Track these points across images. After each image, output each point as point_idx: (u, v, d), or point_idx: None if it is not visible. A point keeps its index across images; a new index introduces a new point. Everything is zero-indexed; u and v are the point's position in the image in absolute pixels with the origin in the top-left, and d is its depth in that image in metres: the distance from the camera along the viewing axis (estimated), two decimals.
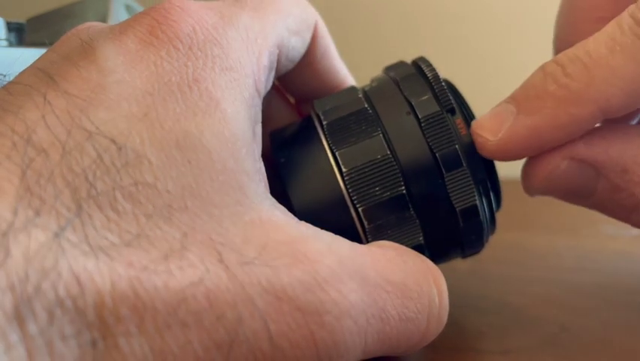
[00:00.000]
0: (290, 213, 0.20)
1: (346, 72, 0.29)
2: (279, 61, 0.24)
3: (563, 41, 0.27)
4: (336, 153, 0.23)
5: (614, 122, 0.24)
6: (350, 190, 0.23)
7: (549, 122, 0.23)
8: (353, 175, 0.23)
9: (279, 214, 0.19)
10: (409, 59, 0.27)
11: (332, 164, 0.23)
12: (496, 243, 0.30)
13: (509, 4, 0.61)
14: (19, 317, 0.14)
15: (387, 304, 0.20)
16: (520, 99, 0.23)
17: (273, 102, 0.29)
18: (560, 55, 0.23)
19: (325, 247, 0.19)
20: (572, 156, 0.23)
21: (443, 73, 0.25)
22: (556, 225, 0.40)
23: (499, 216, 0.27)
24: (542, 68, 0.23)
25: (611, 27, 0.22)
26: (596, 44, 0.22)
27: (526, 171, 0.25)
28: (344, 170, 0.23)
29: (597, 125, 0.23)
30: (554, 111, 0.22)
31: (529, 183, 0.25)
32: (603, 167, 0.23)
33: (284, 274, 0.18)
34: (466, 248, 0.25)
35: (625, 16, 0.22)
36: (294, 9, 0.24)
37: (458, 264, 0.31)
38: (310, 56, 0.26)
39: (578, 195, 0.24)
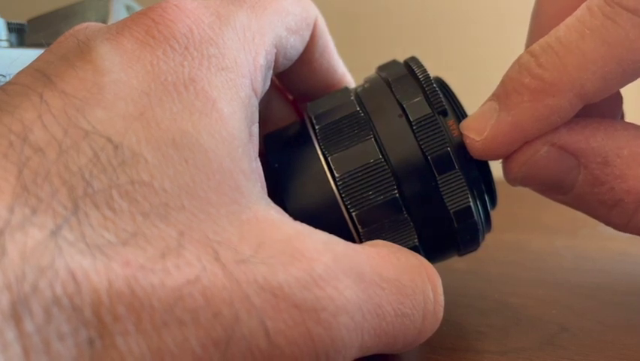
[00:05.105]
0: (285, 213, 0.20)
1: (344, 70, 0.29)
2: (276, 60, 0.24)
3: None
4: (329, 158, 0.23)
5: (600, 116, 0.24)
6: (343, 195, 0.23)
7: (529, 116, 0.22)
8: (346, 180, 0.23)
9: (275, 213, 0.19)
10: (404, 57, 0.26)
11: (325, 169, 0.23)
12: (496, 243, 0.30)
13: (506, 2, 0.61)
14: (15, 316, 0.14)
15: (383, 300, 0.20)
16: (501, 95, 0.23)
17: (273, 101, 0.29)
18: (534, 45, 0.23)
19: (321, 244, 0.19)
20: (552, 141, 0.23)
21: (438, 71, 0.25)
22: (555, 225, 0.40)
23: (499, 217, 0.27)
24: (517, 60, 0.23)
25: (580, 11, 0.22)
26: (567, 30, 0.22)
27: (506, 158, 0.24)
28: (337, 175, 0.23)
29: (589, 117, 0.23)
30: (532, 104, 0.22)
31: (509, 169, 0.24)
32: (583, 156, 0.23)
33: (280, 272, 0.18)
34: (462, 248, 0.25)
35: None
36: (295, 7, 0.24)
37: (458, 264, 0.31)
38: (309, 54, 0.26)
39: (559, 187, 0.24)
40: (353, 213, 0.23)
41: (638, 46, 0.21)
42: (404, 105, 0.24)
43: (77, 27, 0.21)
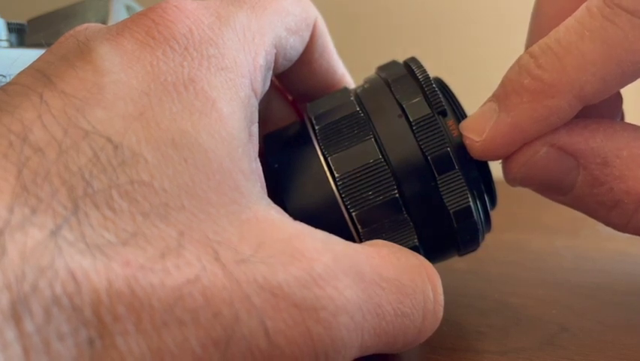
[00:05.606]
0: (285, 213, 0.20)
1: (344, 70, 0.29)
2: (276, 60, 0.24)
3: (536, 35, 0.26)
4: (329, 159, 0.23)
5: (600, 117, 0.24)
6: (343, 195, 0.23)
7: (528, 117, 0.22)
8: (346, 180, 0.23)
9: (275, 213, 0.19)
10: (404, 57, 0.27)
11: (325, 169, 0.23)
12: (496, 243, 0.30)
13: (506, 2, 0.61)
14: (15, 315, 0.14)
15: (383, 300, 0.20)
16: (500, 96, 0.23)
17: (272, 102, 0.29)
18: (534, 46, 0.23)
19: (320, 244, 0.19)
20: (552, 142, 0.23)
21: (438, 72, 0.25)
22: (555, 226, 0.40)
23: (499, 217, 0.27)
24: (517, 61, 0.23)
25: (580, 12, 0.22)
26: (566, 31, 0.22)
27: (506, 158, 0.24)
28: (337, 175, 0.23)
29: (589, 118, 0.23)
30: (532, 105, 0.22)
31: (508, 170, 0.24)
32: (583, 156, 0.23)
33: (280, 271, 0.18)
34: (462, 248, 0.25)
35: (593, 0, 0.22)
36: (295, 8, 0.24)
37: (458, 264, 0.31)
38: (308, 54, 0.27)
39: (558, 188, 0.24)
40: (353, 214, 0.23)
41: (637, 47, 0.21)
42: (404, 105, 0.24)
43: (77, 28, 0.21)
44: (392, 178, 0.23)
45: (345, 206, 0.23)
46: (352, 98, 0.25)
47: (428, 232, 0.24)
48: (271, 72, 0.24)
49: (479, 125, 0.23)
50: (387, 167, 0.23)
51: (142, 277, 0.16)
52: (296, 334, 0.17)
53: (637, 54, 0.21)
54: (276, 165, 0.24)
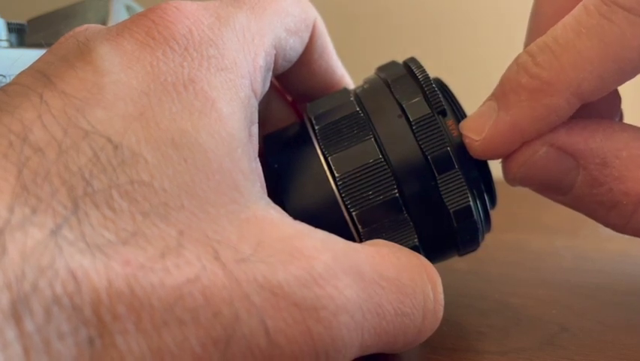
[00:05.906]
0: (285, 213, 0.20)
1: (343, 71, 0.29)
2: (276, 61, 0.24)
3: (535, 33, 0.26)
4: (329, 159, 0.23)
5: (599, 117, 0.24)
6: (343, 195, 0.23)
7: (527, 116, 0.22)
8: (346, 180, 0.23)
9: (274, 213, 0.19)
10: (404, 58, 0.27)
11: (325, 169, 0.23)
12: (496, 243, 0.30)
13: (506, 2, 0.61)
14: (16, 315, 0.14)
15: (383, 299, 0.20)
16: (499, 95, 0.23)
17: (272, 103, 0.29)
18: (532, 44, 0.23)
19: (320, 243, 0.19)
20: (551, 142, 0.23)
21: (438, 72, 0.25)
22: (555, 225, 0.40)
23: (499, 217, 0.27)
24: (516, 60, 0.23)
25: (577, 10, 0.22)
26: (564, 29, 0.22)
27: (506, 158, 0.24)
28: (337, 175, 0.23)
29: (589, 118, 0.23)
30: (530, 104, 0.22)
31: (508, 169, 0.24)
32: (582, 157, 0.23)
33: (280, 270, 0.18)
34: (462, 248, 0.25)
35: None
36: (294, 9, 0.24)
37: (458, 264, 0.31)
38: (308, 55, 0.27)
39: (557, 188, 0.24)
40: (353, 213, 0.23)
41: (634, 44, 0.21)
42: (403, 105, 0.24)
43: (78, 29, 0.21)
44: (392, 178, 0.23)
45: (346, 206, 0.23)
46: (352, 99, 0.25)
47: (428, 232, 0.24)
48: (271, 73, 0.24)
49: (479, 124, 0.24)
50: (387, 167, 0.23)
51: (142, 277, 0.16)
52: (296, 333, 0.17)
53: (634, 51, 0.21)
54: (276, 165, 0.24)
